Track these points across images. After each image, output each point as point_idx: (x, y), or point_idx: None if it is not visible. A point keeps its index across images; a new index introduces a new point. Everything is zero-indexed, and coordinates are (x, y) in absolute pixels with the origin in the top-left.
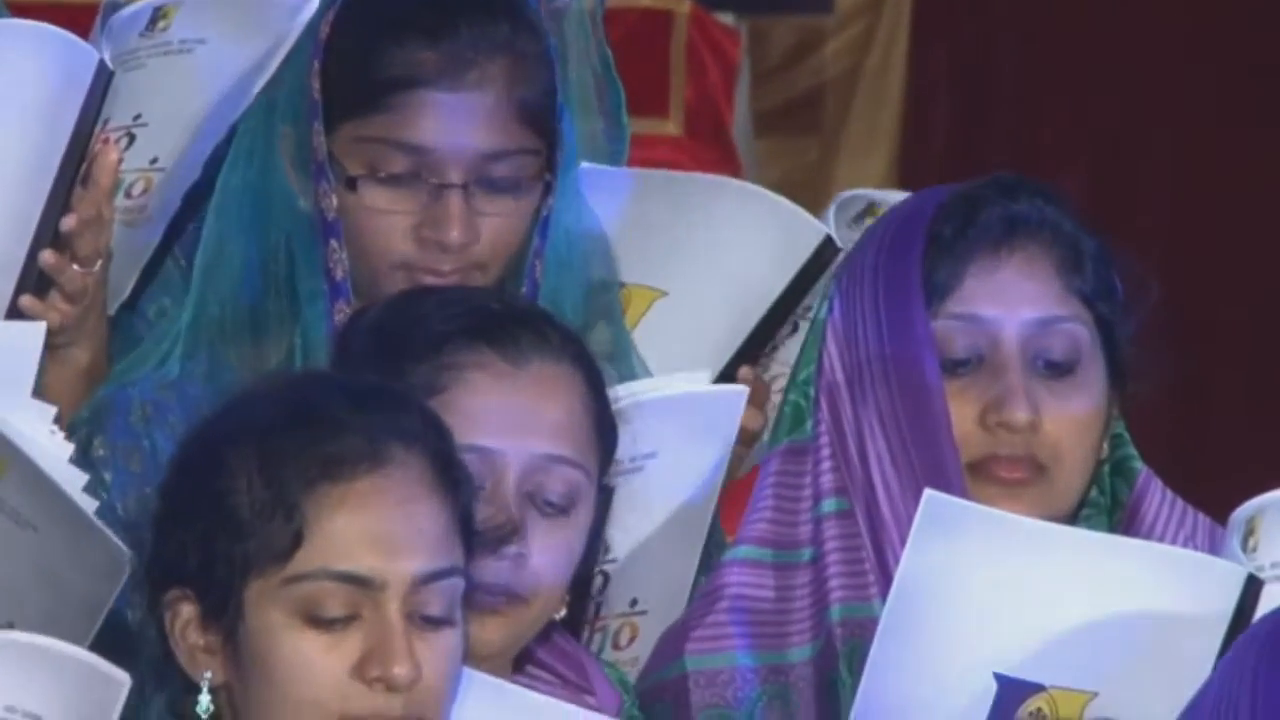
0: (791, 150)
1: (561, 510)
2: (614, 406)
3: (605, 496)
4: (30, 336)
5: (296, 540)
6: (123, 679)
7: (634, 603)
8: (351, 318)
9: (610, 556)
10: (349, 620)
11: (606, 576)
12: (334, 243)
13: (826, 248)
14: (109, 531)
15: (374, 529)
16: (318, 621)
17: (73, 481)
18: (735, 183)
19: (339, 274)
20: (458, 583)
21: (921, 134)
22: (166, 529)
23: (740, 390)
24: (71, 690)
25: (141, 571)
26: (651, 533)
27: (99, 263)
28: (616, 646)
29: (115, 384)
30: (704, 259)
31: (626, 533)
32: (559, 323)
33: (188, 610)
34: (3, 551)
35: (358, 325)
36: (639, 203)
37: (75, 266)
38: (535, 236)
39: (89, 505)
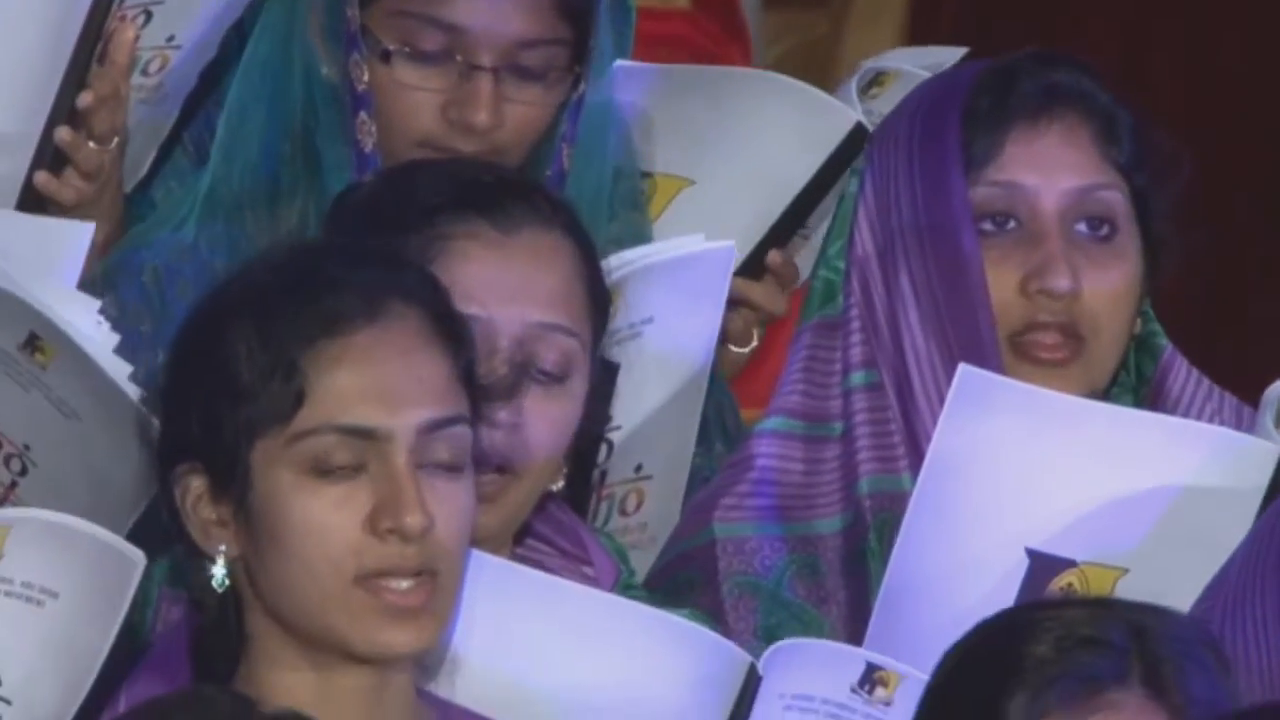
0: (799, 24)
1: (556, 380)
2: (610, 278)
3: (610, 373)
4: (78, 235)
5: (299, 399)
6: (137, 557)
7: (638, 468)
8: (342, 192)
9: (613, 424)
10: (356, 471)
11: (610, 444)
12: (364, 114)
13: (857, 133)
14: (155, 421)
15: (375, 382)
16: (326, 475)
17: (119, 370)
18: (766, 74)
19: (368, 146)
20: (465, 432)
21: (930, 5)
22: (172, 403)
23: (728, 245)
24: (88, 567)
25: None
26: (652, 397)
27: (115, 140)
28: (624, 513)
29: (129, 246)
30: (732, 149)
31: (628, 399)
32: (550, 193)
33: (198, 484)
34: (48, 440)
35: (349, 199)
36: (668, 96)
37: (91, 144)
38: (565, 121)
39: (135, 395)
